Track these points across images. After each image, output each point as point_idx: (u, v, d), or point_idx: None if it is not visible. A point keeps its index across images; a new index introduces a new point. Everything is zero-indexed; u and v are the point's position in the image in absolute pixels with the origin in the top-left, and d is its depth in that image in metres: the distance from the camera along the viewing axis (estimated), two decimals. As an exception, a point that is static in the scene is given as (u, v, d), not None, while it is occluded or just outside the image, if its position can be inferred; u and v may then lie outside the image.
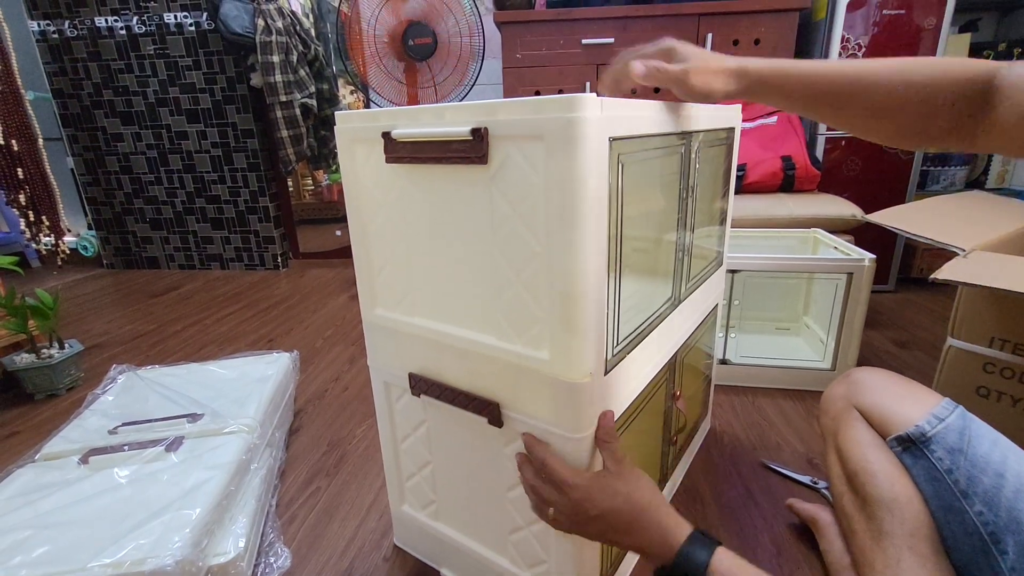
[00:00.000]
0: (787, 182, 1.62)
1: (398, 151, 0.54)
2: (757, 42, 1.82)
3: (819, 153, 1.81)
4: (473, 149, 0.49)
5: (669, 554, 0.47)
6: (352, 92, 2.97)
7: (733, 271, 1.19)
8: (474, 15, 1.90)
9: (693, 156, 0.69)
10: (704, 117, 0.70)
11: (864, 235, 1.49)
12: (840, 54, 1.73)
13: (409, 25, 1.86)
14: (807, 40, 1.87)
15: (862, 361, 1.22)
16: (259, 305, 1.94)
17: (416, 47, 1.89)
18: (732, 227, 1.48)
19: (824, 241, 1.35)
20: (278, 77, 2.01)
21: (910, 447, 0.55)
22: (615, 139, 0.48)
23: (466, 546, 0.70)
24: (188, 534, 0.64)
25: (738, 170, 1.63)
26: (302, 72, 2.10)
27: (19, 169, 2.15)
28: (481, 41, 1.94)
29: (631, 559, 0.73)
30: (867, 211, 1.49)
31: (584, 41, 1.84)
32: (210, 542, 0.68)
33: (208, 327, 1.73)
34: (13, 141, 2.11)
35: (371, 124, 0.56)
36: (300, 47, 2.08)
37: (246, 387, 1.03)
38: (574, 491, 0.49)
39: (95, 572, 0.60)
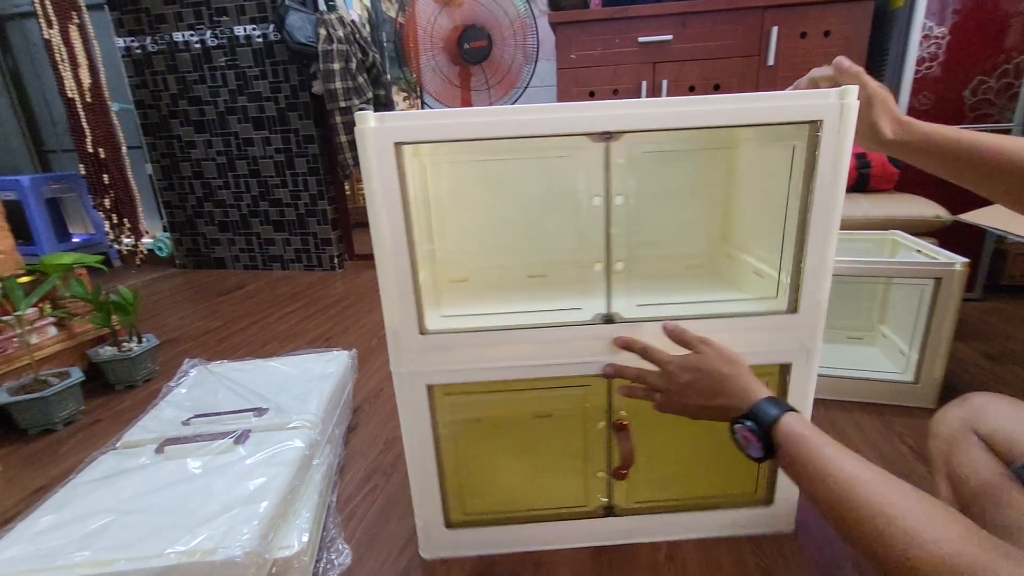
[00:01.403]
0: (861, 181, 1.52)
1: None
2: (827, 34, 1.72)
3: (896, 150, 1.69)
4: None
5: (748, 406, 0.55)
6: (405, 99, 3.04)
7: (804, 275, 1.12)
8: (528, 17, 1.90)
9: (620, 161, 0.65)
10: (622, 117, 0.61)
11: (946, 238, 1.37)
12: (921, 44, 1.61)
13: (465, 29, 1.88)
14: (883, 32, 1.76)
15: (950, 375, 1.12)
16: (317, 304, 2.01)
17: (471, 51, 1.90)
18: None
19: (905, 244, 1.25)
20: (338, 84, 2.08)
21: None
22: (401, 143, 0.61)
23: None
24: (256, 526, 0.66)
25: (806, 169, 1.54)
26: (360, 79, 2.16)
27: (105, 175, 2.33)
28: (535, 43, 1.93)
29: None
30: (952, 212, 1.38)
31: (641, 39, 1.80)
32: (275, 535, 0.70)
33: (270, 325, 1.80)
34: (100, 149, 2.29)
35: None
36: (359, 54, 2.15)
37: (308, 384, 1.06)
38: (668, 365, 0.62)
39: (171, 559, 0.62)
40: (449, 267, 0.75)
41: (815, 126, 0.63)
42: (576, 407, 0.75)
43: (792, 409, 0.53)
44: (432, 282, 0.70)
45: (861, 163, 1.52)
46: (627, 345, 0.66)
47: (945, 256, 1.08)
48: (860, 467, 0.44)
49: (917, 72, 1.63)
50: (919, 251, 1.18)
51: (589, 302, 0.71)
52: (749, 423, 0.54)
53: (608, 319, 0.69)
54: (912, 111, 1.64)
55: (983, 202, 1.26)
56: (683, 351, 0.64)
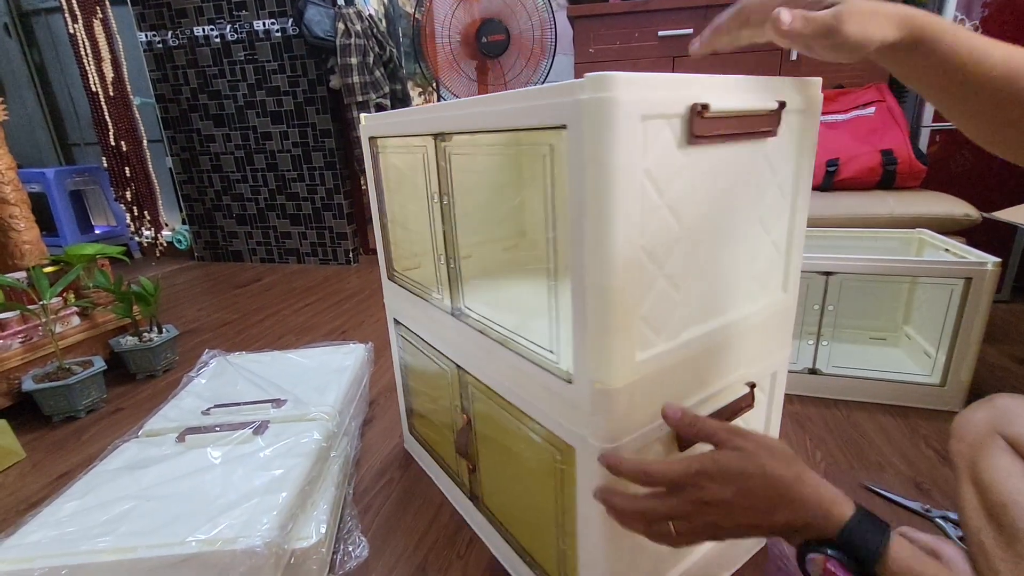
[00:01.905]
0: (887, 178, 1.48)
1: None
2: (853, 27, 1.68)
3: (923, 146, 1.65)
4: None
5: (829, 529, 0.40)
6: (420, 94, 3.04)
7: (827, 273, 1.10)
8: (547, 11, 1.88)
9: (446, 160, 0.64)
10: (451, 117, 0.60)
11: (974, 237, 1.33)
12: (951, 37, 1.56)
13: (483, 23, 1.87)
14: (911, 23, 1.71)
15: (977, 379, 1.09)
16: (332, 298, 2.02)
17: (489, 44, 1.89)
18: (824, 227, 1.39)
19: (932, 243, 1.22)
20: (355, 78, 2.08)
21: None
22: (372, 138, 0.83)
23: None
24: (276, 516, 0.66)
25: (830, 165, 1.51)
26: (377, 73, 2.16)
27: (126, 168, 2.36)
28: (553, 36, 1.91)
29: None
30: (981, 210, 1.34)
31: (661, 33, 1.78)
32: (294, 526, 0.70)
33: (286, 317, 1.82)
34: (122, 143, 2.32)
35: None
36: (376, 49, 2.15)
37: (325, 376, 1.06)
38: (693, 478, 0.42)
39: (192, 547, 0.63)
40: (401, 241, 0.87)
41: (558, 133, 0.44)
42: (450, 384, 0.78)
43: (889, 525, 0.41)
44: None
45: (887, 160, 1.48)
46: (612, 467, 0.46)
47: (976, 255, 1.05)
48: None
49: (947, 66, 1.58)
50: (947, 250, 1.15)
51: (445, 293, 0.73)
52: (834, 553, 0.39)
53: (456, 313, 0.70)
54: (941, 107, 1.60)
55: (1014, 199, 1.22)
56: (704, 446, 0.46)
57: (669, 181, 0.45)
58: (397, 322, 0.93)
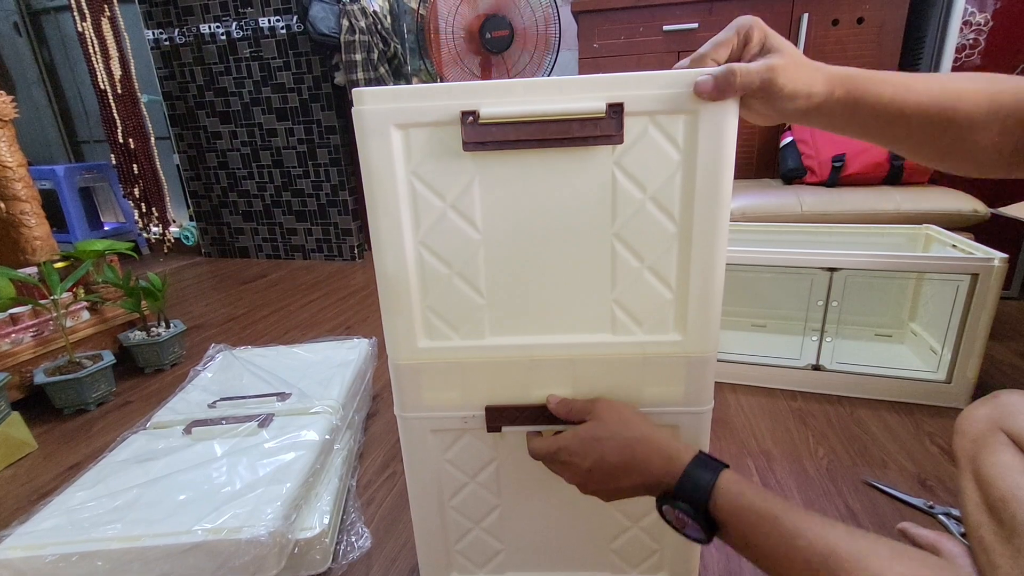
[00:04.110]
0: (894, 173, 1.47)
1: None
2: (860, 21, 1.66)
3: (931, 142, 1.63)
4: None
5: (672, 479, 0.45)
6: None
7: (832, 269, 1.10)
8: (551, 6, 1.88)
9: None
10: None
11: (982, 233, 1.32)
12: (962, 30, 1.55)
13: (487, 18, 1.87)
14: (920, 18, 1.69)
15: (984, 376, 1.09)
16: (337, 294, 2.03)
17: (493, 40, 1.89)
18: (829, 223, 1.38)
19: (939, 238, 1.21)
20: (360, 75, 2.09)
21: None
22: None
23: None
24: (280, 507, 0.67)
25: (836, 160, 1.50)
26: (382, 70, 2.16)
27: (134, 165, 2.38)
28: (557, 31, 1.91)
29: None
30: (989, 206, 1.33)
31: (666, 28, 1.77)
32: (298, 516, 0.71)
33: (292, 313, 1.83)
34: (130, 140, 2.34)
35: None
36: (380, 45, 2.15)
37: (329, 370, 1.07)
38: (562, 454, 0.50)
39: (198, 535, 0.64)
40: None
41: None
42: None
43: (723, 465, 0.45)
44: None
45: (894, 155, 1.47)
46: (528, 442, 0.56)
47: (983, 251, 1.04)
48: (835, 530, 0.40)
49: (956, 60, 1.57)
50: (954, 246, 1.14)
51: None
52: (680, 504, 0.44)
53: None
54: (949, 101, 1.58)
55: (1019, 197, 1.21)
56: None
57: (448, 185, 0.48)
58: None
